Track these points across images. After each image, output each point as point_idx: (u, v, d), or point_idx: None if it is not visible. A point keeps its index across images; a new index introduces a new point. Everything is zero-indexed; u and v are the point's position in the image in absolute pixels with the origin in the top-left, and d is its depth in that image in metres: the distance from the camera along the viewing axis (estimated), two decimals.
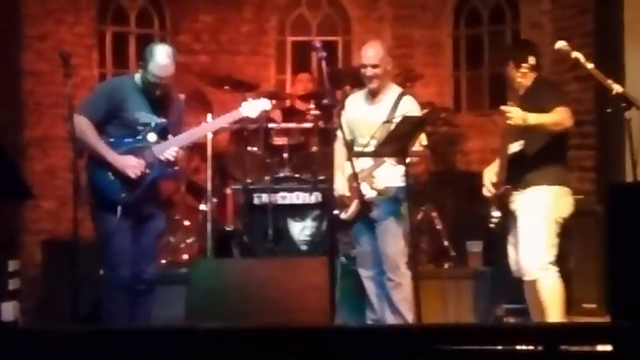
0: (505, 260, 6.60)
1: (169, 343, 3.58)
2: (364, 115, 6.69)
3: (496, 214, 6.30)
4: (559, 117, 6.09)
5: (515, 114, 5.98)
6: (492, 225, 6.33)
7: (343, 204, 6.65)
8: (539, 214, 6.24)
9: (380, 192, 6.58)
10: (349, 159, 6.26)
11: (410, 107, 6.60)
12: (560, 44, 6.06)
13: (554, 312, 6.17)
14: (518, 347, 4.08)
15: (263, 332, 3.66)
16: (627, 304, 3.84)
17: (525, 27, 10.40)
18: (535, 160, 6.22)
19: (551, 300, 6.22)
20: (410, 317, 6.42)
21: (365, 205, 6.45)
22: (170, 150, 6.36)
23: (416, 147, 6.36)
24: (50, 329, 4.14)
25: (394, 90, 6.77)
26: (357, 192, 6.38)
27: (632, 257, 3.91)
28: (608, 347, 3.81)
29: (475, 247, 8.57)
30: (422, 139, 6.51)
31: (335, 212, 6.67)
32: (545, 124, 6.07)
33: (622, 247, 3.95)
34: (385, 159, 6.45)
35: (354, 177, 6.28)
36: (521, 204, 6.30)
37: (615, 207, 4.08)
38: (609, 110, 5.89)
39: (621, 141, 6.15)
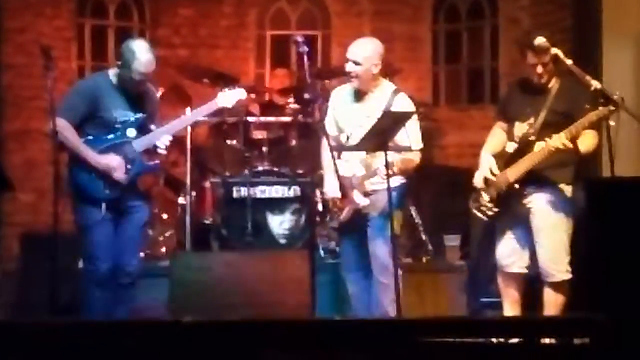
0: (483, 254, 6.63)
1: (153, 336, 3.59)
2: (352, 113, 6.48)
3: (490, 204, 6.30)
4: (595, 144, 6.11)
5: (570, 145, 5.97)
6: (486, 217, 6.34)
7: (336, 207, 6.50)
8: (564, 214, 6.21)
9: (370, 194, 6.36)
10: (336, 157, 6.22)
11: (405, 106, 6.38)
12: (540, 41, 6.02)
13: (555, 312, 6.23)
14: (495, 340, 4.12)
15: (246, 325, 3.68)
16: (603, 298, 3.89)
17: (504, 22, 10.46)
18: (557, 159, 6.14)
19: (562, 302, 6.27)
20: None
21: (359, 213, 6.37)
22: (163, 139, 6.42)
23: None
24: (29, 322, 4.15)
25: (385, 87, 6.51)
26: (349, 198, 6.30)
27: (608, 251, 3.96)
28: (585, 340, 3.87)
29: (453, 241, 8.63)
30: (417, 144, 6.36)
31: (330, 221, 6.59)
32: (590, 153, 6.12)
33: (598, 241, 4.00)
34: (379, 171, 6.18)
35: (345, 181, 6.23)
36: (542, 202, 6.22)
37: (593, 203, 4.13)
38: (587, 106, 5.91)
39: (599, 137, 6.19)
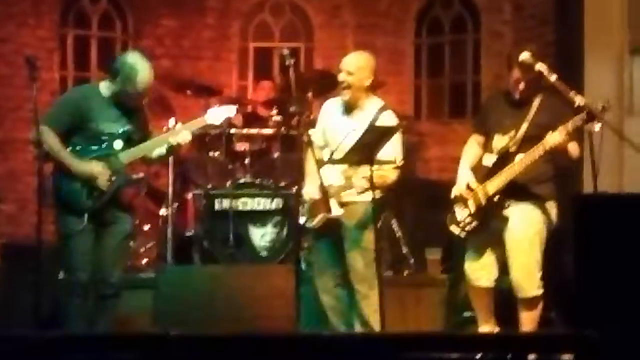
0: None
1: (140, 349, 3.58)
2: (340, 126, 6.49)
3: (468, 219, 6.31)
4: (578, 154, 6.15)
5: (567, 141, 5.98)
6: (464, 232, 6.35)
7: (313, 208, 6.48)
8: (539, 229, 6.23)
9: (346, 204, 6.37)
10: (320, 167, 6.23)
11: (390, 122, 6.38)
12: (525, 56, 6.02)
13: (531, 328, 6.25)
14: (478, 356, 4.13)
15: (234, 339, 3.67)
16: (591, 314, 3.90)
17: (487, 36, 10.52)
18: (535, 174, 6.16)
19: (537, 317, 6.29)
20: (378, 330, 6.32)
21: (332, 221, 6.35)
22: (184, 136, 6.41)
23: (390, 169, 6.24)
24: (9, 334, 4.11)
25: (373, 102, 6.54)
26: (325, 205, 6.26)
27: (595, 267, 3.97)
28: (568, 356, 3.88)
29: (434, 254, 8.64)
30: (398, 158, 6.32)
31: (302, 219, 6.59)
32: (573, 157, 6.15)
33: (585, 257, 4.01)
34: (355, 185, 6.20)
35: (324, 189, 6.21)
36: (518, 217, 6.22)
37: (579, 218, 4.14)
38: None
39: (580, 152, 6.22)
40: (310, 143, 6.41)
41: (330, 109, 6.65)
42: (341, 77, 6.46)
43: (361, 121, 6.37)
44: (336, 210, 6.32)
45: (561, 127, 5.91)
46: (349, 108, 6.53)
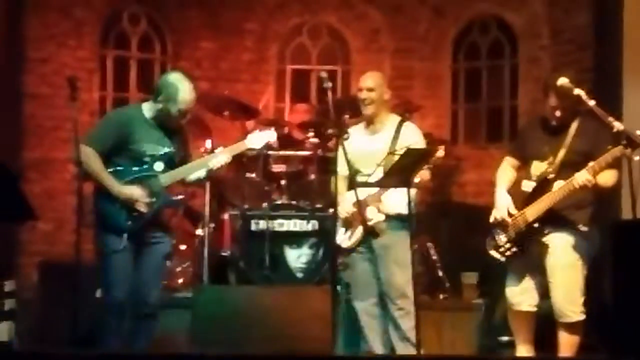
0: (501, 292, 6.61)
1: None
2: (365, 147, 6.68)
3: (507, 244, 6.30)
4: (614, 181, 6.14)
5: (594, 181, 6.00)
6: (503, 257, 6.34)
7: (349, 223, 6.60)
8: (580, 255, 6.21)
9: (387, 217, 6.51)
10: (352, 189, 6.30)
11: (413, 135, 6.65)
12: (563, 81, 6.04)
13: (569, 353, 6.22)
14: None
15: None
16: (630, 340, 3.88)
17: (524, 62, 10.50)
18: (575, 199, 6.15)
19: (577, 342, 6.26)
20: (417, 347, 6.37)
21: (371, 231, 6.45)
22: (220, 159, 6.48)
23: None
24: (47, 352, 4.14)
25: (393, 119, 6.80)
26: (362, 218, 6.39)
27: (634, 293, 3.95)
28: None
29: (470, 279, 8.61)
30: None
31: (338, 239, 6.63)
32: (608, 188, 6.14)
33: (624, 283, 3.99)
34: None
35: (358, 204, 6.31)
36: (559, 242, 6.23)
37: (618, 244, 4.12)
38: (609, 147, 5.91)
39: (619, 178, 6.18)
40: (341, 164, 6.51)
41: (353, 135, 6.74)
42: (363, 95, 6.77)
43: (382, 138, 6.69)
44: (375, 216, 6.49)
45: (588, 168, 5.93)
46: (370, 125, 6.82)
